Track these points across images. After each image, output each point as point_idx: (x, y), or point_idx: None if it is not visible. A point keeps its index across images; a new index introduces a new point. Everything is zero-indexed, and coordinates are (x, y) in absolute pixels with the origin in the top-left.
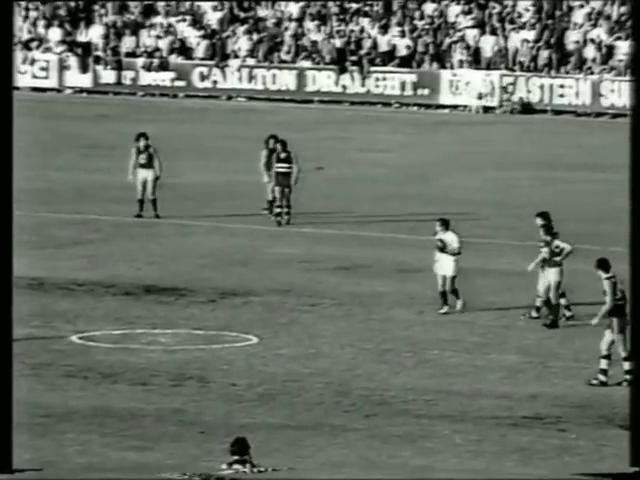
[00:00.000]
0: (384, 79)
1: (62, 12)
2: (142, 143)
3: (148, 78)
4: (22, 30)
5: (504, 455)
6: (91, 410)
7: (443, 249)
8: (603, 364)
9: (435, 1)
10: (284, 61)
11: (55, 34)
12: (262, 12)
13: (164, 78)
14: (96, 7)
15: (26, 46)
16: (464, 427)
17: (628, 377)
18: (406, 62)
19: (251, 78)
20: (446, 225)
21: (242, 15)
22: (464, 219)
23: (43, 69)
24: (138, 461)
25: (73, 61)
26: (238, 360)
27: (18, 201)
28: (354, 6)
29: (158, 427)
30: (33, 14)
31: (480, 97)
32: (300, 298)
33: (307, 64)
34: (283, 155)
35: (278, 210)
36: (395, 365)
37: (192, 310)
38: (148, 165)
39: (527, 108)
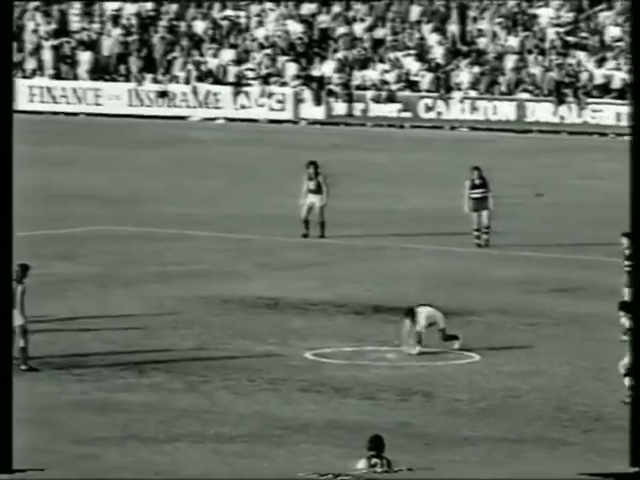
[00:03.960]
0: (600, 110)
1: (298, 48)
2: (312, 170)
3: (377, 110)
4: (260, 65)
5: None
6: (324, 422)
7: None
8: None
9: None
10: (504, 93)
11: (291, 69)
12: (483, 46)
13: (392, 110)
14: (330, 43)
15: (265, 80)
16: None
17: None
18: (621, 94)
19: (473, 109)
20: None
21: (465, 49)
22: None
23: (280, 102)
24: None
25: (307, 94)
26: (461, 376)
27: (254, 225)
28: (572, 40)
29: (386, 439)
30: (269, 51)
31: None
32: (519, 318)
33: (526, 96)
34: (478, 181)
35: (477, 233)
36: (612, 383)
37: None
38: (316, 191)
39: None
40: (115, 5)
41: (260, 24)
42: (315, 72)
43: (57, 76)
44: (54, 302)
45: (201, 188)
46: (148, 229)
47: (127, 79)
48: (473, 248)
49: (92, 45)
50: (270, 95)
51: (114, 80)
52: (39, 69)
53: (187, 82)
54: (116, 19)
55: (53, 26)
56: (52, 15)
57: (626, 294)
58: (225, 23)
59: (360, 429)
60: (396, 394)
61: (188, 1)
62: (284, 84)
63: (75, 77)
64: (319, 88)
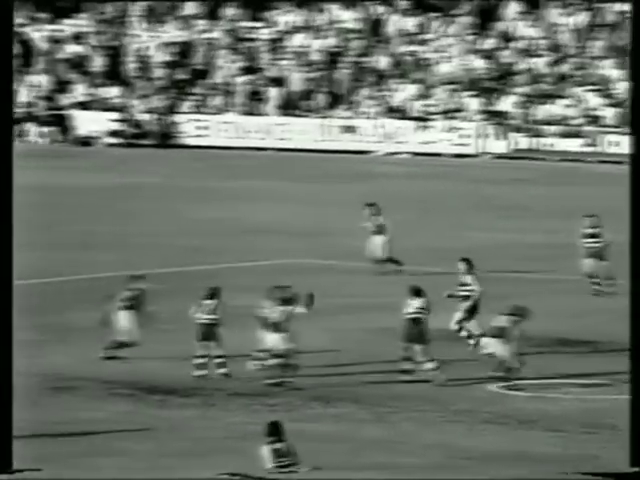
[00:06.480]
0: None
1: (481, 83)
2: (368, 212)
3: (560, 144)
4: (443, 100)
5: None
6: (509, 454)
7: None
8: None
9: None
10: None
11: (474, 104)
12: None
13: (575, 144)
14: (512, 78)
15: (448, 115)
16: None
17: None
18: None
19: None
20: None
21: None
22: None
23: (463, 136)
24: None
25: (491, 129)
26: None
27: (437, 258)
28: None
29: (572, 472)
30: (452, 86)
31: None
32: None
33: None
34: (591, 231)
35: (593, 280)
36: None
37: (605, 361)
38: (378, 232)
39: None
40: (302, 41)
41: (446, 59)
42: (498, 107)
43: (247, 112)
44: (241, 334)
45: (386, 221)
46: (333, 262)
47: (314, 114)
48: None
49: (281, 81)
50: (454, 130)
51: (302, 115)
52: (230, 105)
53: (372, 117)
54: (303, 55)
55: (243, 63)
56: (242, 52)
57: (455, 316)
58: (409, 59)
59: (546, 461)
60: (583, 427)
61: (372, 37)
62: (468, 119)
63: (264, 113)
64: (502, 123)
